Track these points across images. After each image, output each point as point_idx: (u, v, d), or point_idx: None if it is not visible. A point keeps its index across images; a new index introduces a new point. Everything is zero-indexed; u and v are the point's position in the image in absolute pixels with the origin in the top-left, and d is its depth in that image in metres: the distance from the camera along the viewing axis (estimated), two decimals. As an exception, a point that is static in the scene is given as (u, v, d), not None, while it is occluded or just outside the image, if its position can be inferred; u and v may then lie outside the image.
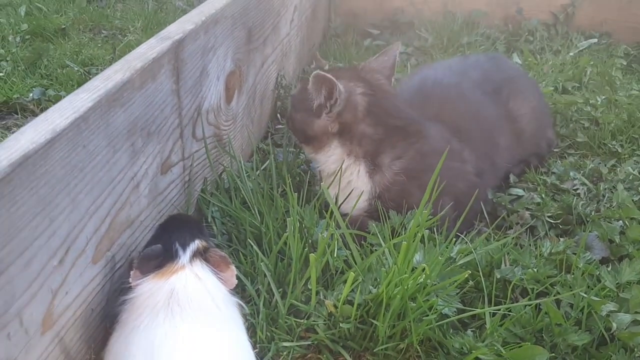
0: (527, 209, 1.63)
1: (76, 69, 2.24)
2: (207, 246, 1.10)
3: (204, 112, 1.43)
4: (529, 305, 1.18)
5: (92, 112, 0.95)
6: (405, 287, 1.09)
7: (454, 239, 1.39)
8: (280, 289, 1.23)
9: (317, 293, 1.18)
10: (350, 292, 1.17)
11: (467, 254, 1.30)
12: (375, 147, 1.46)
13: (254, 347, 1.13)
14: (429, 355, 1.15)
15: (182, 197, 1.37)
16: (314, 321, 1.16)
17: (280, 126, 1.96)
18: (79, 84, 1.59)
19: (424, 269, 1.09)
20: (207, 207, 1.46)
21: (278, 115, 2.04)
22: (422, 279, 1.12)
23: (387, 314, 1.10)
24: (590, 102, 2.15)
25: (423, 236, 1.28)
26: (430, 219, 1.21)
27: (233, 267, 1.08)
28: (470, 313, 1.15)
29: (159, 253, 1.06)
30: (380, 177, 1.43)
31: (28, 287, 0.84)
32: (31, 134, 0.84)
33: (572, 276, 1.27)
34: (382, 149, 1.46)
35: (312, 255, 1.13)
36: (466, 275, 1.12)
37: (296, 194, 1.33)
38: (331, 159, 1.50)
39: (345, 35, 2.80)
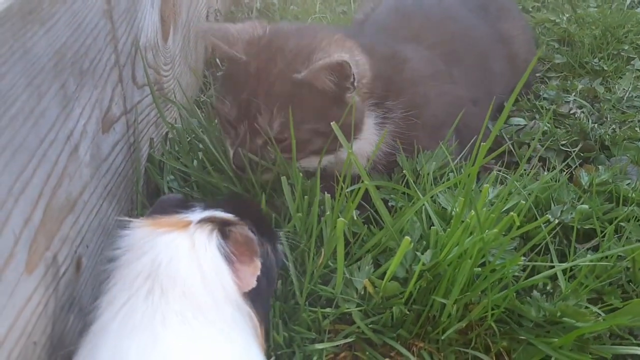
0: (533, 139, 1.39)
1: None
2: (237, 224, 0.76)
3: (142, 47, 1.05)
4: (607, 253, 0.93)
5: (0, 26, 0.57)
6: (477, 248, 0.80)
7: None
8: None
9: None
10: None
11: (508, 196, 1.04)
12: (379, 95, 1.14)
13: (268, 357, 0.81)
14: (499, 332, 0.87)
15: (128, 166, 1.01)
16: (347, 308, 0.85)
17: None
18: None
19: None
20: (160, 176, 1.10)
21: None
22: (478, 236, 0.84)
23: (452, 288, 0.82)
24: (556, 21, 1.95)
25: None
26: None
27: (257, 263, 0.73)
28: (550, 272, 0.88)
29: (176, 202, 0.81)
30: (388, 127, 1.11)
31: None
32: None
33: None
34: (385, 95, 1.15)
35: (340, 221, 0.81)
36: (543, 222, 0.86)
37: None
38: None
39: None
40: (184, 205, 0.80)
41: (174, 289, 0.68)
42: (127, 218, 0.75)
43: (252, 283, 0.72)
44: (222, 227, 0.74)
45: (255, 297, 0.74)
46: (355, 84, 1.00)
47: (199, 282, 0.69)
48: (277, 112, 0.98)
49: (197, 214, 0.77)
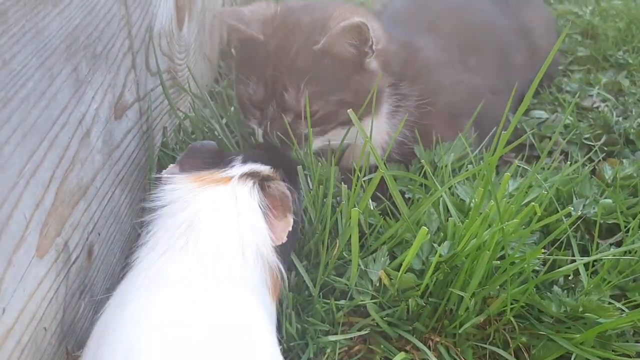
0: (554, 132, 1.36)
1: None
2: (275, 179, 0.79)
3: (156, 35, 1.04)
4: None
5: (13, 5, 0.56)
6: (496, 239, 0.78)
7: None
8: (304, 262, 0.89)
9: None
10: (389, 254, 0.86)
11: (528, 188, 1.01)
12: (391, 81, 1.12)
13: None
14: (519, 327, 0.85)
15: (141, 154, 1.00)
16: (361, 300, 0.84)
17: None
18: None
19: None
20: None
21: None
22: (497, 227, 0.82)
23: (469, 280, 0.79)
24: (579, 13, 1.91)
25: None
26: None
27: (290, 219, 0.75)
28: (572, 266, 0.85)
29: (209, 149, 0.82)
30: (401, 115, 1.10)
31: None
32: None
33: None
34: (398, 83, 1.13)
35: (354, 210, 0.79)
36: (565, 215, 0.83)
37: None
38: None
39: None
40: (221, 157, 0.81)
41: (210, 240, 0.70)
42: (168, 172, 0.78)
43: (284, 238, 0.75)
44: (262, 183, 0.77)
45: (281, 248, 0.76)
46: (374, 47, 1.00)
47: (235, 235, 0.72)
48: (303, 86, 0.99)
49: (237, 169, 0.78)
